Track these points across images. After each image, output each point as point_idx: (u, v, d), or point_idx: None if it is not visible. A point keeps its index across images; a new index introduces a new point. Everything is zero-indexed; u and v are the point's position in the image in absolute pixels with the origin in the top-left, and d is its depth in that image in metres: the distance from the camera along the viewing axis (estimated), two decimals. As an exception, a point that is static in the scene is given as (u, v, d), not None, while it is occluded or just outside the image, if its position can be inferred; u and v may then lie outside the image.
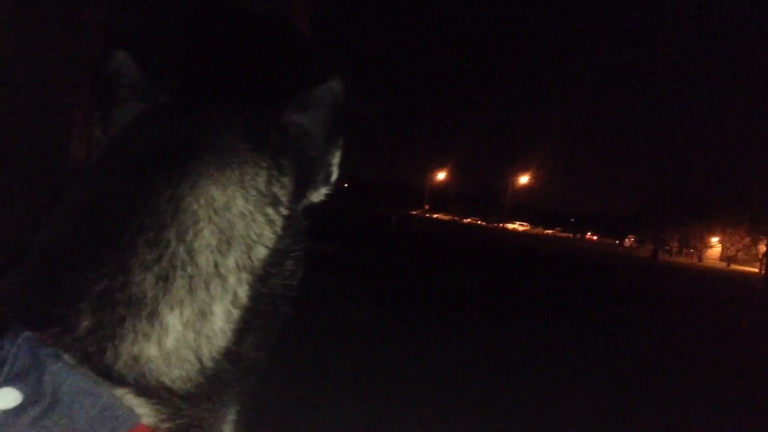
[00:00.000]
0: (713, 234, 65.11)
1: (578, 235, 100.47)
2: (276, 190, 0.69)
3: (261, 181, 0.68)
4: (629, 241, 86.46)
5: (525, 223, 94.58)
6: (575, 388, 5.52)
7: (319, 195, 0.68)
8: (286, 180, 0.70)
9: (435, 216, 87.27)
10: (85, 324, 0.62)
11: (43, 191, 5.79)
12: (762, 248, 53.39)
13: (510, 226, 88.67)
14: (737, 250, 61.41)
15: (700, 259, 65.44)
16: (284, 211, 0.70)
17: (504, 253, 26.84)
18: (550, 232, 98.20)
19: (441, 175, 71.16)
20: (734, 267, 56.86)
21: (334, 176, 0.70)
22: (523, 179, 71.34)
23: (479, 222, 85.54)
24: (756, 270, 52.09)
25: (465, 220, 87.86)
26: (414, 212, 73.70)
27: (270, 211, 0.69)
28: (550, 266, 22.95)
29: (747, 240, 59.52)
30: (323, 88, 0.64)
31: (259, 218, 0.68)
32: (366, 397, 4.33)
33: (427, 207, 78.52)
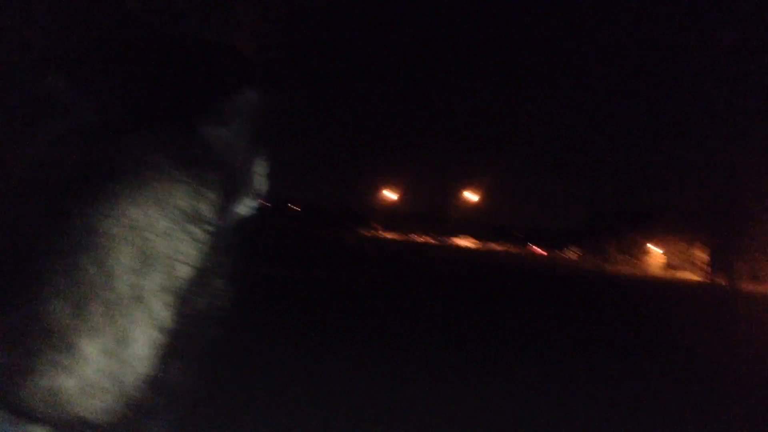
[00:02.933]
0: (654, 243, 67.29)
1: (524, 249, 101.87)
2: (199, 205, 0.66)
3: (182, 198, 0.65)
4: (573, 252, 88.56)
5: (472, 239, 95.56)
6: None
7: (246, 209, 0.64)
8: (209, 195, 0.67)
9: (387, 235, 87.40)
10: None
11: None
12: (702, 257, 55.32)
13: (456, 242, 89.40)
14: (678, 260, 63.49)
15: (641, 268, 67.40)
16: (209, 228, 0.66)
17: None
18: (498, 247, 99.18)
19: (391, 194, 71.55)
20: (678, 274, 58.82)
21: (263, 188, 0.67)
22: (471, 195, 72.40)
23: (430, 239, 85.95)
24: (694, 277, 53.96)
25: (415, 239, 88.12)
26: (365, 232, 73.67)
27: (193, 228, 0.65)
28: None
29: (688, 250, 61.66)
30: (243, 98, 0.60)
31: (182, 236, 0.65)
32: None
33: (376, 226, 78.62)
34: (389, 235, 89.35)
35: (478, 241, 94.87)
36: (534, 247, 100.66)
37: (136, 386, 0.61)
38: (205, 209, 0.65)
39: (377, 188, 71.27)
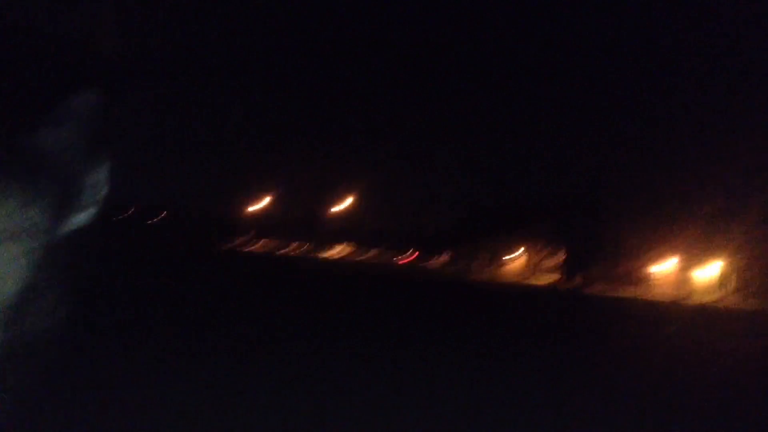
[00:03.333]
0: (519, 247, 70.26)
1: (398, 255, 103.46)
2: (25, 221, 0.54)
3: (8, 215, 0.53)
4: (444, 257, 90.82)
5: (347, 246, 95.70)
6: None
7: (87, 217, 0.61)
8: (37, 209, 0.54)
9: (254, 246, 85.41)
10: None
11: None
12: (558, 259, 58.37)
13: (332, 250, 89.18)
14: (539, 262, 66.80)
15: (504, 271, 70.17)
16: (37, 243, 0.54)
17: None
18: (372, 253, 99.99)
19: (264, 201, 69.98)
20: (537, 279, 61.65)
21: (103, 192, 0.63)
22: (343, 202, 72.33)
23: (306, 247, 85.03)
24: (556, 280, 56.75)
25: (285, 249, 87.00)
26: (233, 243, 71.64)
27: (14, 247, 0.53)
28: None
29: (547, 252, 64.94)
30: (79, 100, 0.56)
31: (5, 254, 0.54)
32: None
33: (246, 237, 76.72)
34: (261, 243, 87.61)
35: (351, 249, 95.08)
36: (406, 253, 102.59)
37: None
38: (33, 225, 0.54)
39: (247, 194, 69.44)
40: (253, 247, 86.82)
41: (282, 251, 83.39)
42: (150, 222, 75.75)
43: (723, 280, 57.45)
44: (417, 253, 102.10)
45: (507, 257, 70.51)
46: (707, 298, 49.21)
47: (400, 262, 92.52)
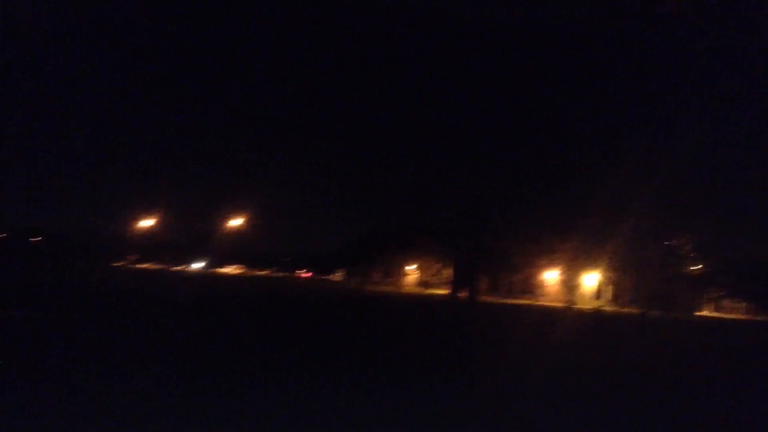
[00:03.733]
0: (411, 262, 71.69)
1: (292, 273, 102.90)
2: None
3: None
4: (339, 275, 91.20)
5: (240, 266, 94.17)
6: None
7: None
8: None
9: (142, 266, 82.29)
10: None
11: None
12: (451, 272, 60.24)
13: (224, 270, 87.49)
14: (431, 276, 68.72)
15: (400, 286, 71.45)
16: None
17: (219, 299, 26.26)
18: (265, 272, 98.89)
19: (148, 222, 67.68)
20: (430, 291, 63.27)
21: None
22: (237, 222, 71.29)
23: (188, 268, 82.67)
24: (446, 291, 58.60)
25: (175, 268, 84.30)
26: (117, 264, 68.86)
27: None
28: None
29: (439, 266, 66.86)
30: None
31: None
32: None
33: (132, 257, 73.88)
34: (147, 266, 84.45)
35: (244, 268, 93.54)
36: (301, 271, 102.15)
37: None
38: None
39: (132, 215, 66.89)
40: (144, 265, 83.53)
41: (176, 268, 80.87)
42: (28, 243, 71.33)
43: (602, 288, 61.77)
44: (311, 273, 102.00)
45: (400, 272, 72.01)
46: (589, 305, 52.75)
47: (302, 276, 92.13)
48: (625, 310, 50.98)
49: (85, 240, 74.69)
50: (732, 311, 69.85)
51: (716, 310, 67.17)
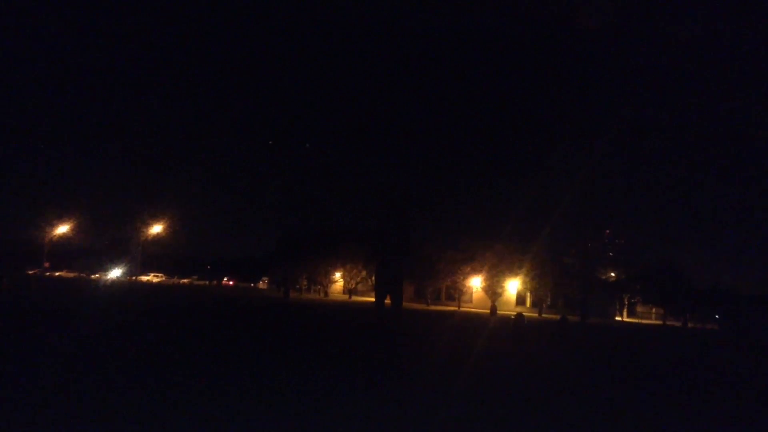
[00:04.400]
0: (336, 269, 71.65)
1: (215, 281, 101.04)
2: None
3: None
4: (263, 283, 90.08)
5: (160, 274, 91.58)
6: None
7: None
8: None
9: (57, 274, 78.87)
10: None
11: None
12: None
13: (145, 278, 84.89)
14: (356, 283, 68.91)
15: (326, 293, 71.31)
16: None
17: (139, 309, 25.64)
18: (186, 280, 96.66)
19: (62, 229, 64.95)
20: (355, 298, 63.46)
21: None
22: (156, 229, 69.42)
23: (107, 276, 79.84)
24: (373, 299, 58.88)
25: (93, 276, 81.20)
26: (31, 271, 65.66)
27: None
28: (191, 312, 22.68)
29: (364, 273, 67.15)
30: None
31: None
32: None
33: (47, 265, 70.69)
34: (63, 273, 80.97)
35: (164, 276, 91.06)
36: (225, 279, 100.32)
37: None
38: None
39: (47, 221, 64.06)
40: (60, 273, 79.96)
41: (94, 276, 77.84)
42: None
43: (524, 294, 63.77)
44: (234, 281, 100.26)
45: (326, 280, 71.91)
46: (512, 311, 54.12)
47: (221, 284, 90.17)
48: (545, 315, 52.80)
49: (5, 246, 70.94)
50: (646, 316, 73.48)
51: (630, 315, 70.52)
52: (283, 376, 8.80)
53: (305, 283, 77.13)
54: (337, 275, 72.40)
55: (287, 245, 73.61)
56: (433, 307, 55.06)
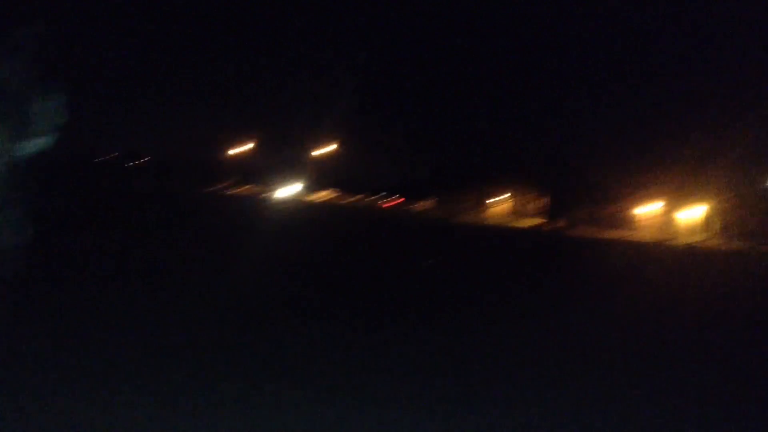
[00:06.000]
0: (503, 191, 69.97)
1: (383, 200, 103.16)
2: None
3: None
4: (430, 203, 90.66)
5: (334, 191, 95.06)
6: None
7: (35, 145, 0.69)
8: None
9: (237, 191, 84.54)
10: None
11: None
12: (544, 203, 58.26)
13: (317, 195, 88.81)
14: (524, 206, 67.02)
15: (491, 215, 70.17)
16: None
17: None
18: (356, 200, 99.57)
19: (242, 147, 69.01)
20: (522, 222, 61.68)
21: (55, 122, 0.70)
22: (330, 149, 71.57)
23: (281, 193, 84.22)
24: (540, 222, 56.60)
25: (266, 193, 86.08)
26: (213, 188, 71.02)
27: None
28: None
29: (532, 196, 64.98)
30: (25, 32, 0.63)
31: None
32: None
33: (230, 182, 76.02)
34: (241, 191, 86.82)
35: (336, 193, 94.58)
36: (391, 198, 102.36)
37: None
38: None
39: (228, 141, 68.42)
40: (237, 191, 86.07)
41: (265, 195, 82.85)
42: (132, 165, 74.76)
43: (707, 222, 57.98)
44: (402, 198, 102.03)
45: (492, 201, 70.53)
46: (691, 240, 49.67)
47: (385, 206, 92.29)
48: (729, 245, 47.59)
49: (182, 164, 77.16)
50: None
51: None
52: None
53: (470, 204, 76.32)
54: (503, 197, 70.72)
55: (455, 165, 72.71)
56: (604, 234, 51.97)
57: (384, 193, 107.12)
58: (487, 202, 71.30)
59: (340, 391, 4.64)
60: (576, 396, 5.33)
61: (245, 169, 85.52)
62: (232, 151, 68.66)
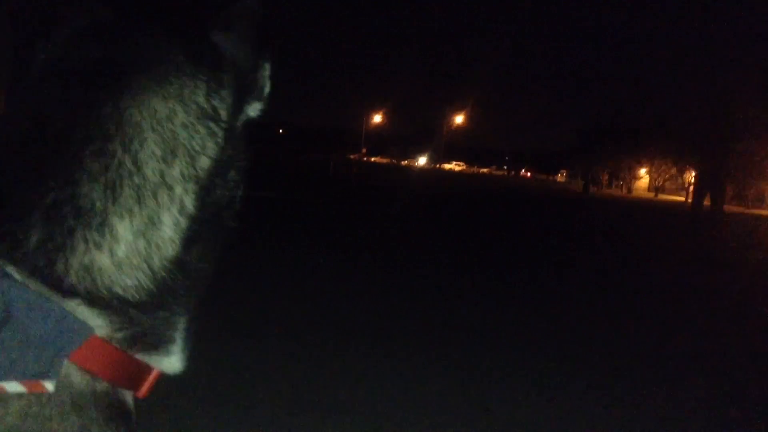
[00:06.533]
0: (641, 165, 66.99)
1: (512, 173, 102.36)
2: (215, 103, 0.69)
3: (200, 95, 0.68)
4: (561, 176, 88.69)
5: (461, 163, 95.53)
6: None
7: (254, 110, 0.72)
8: (224, 93, 0.70)
9: (373, 159, 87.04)
10: (34, 238, 0.61)
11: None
12: (688, 177, 55.49)
13: (447, 166, 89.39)
14: (664, 180, 63.70)
15: (629, 190, 67.61)
16: (224, 124, 0.69)
17: (444, 193, 26.92)
18: (485, 170, 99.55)
19: (377, 118, 70.66)
20: (662, 197, 59.13)
21: (267, 90, 0.75)
22: (459, 119, 71.66)
23: (416, 163, 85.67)
24: (682, 198, 54.26)
25: (402, 162, 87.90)
26: (352, 156, 73.22)
27: (211, 123, 0.68)
28: (487, 203, 23.25)
29: (674, 170, 61.63)
30: (242, 5, 0.70)
31: (201, 130, 0.67)
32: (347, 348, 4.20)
33: (364, 150, 78.08)
34: (375, 159, 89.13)
35: (465, 165, 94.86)
36: (523, 170, 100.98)
37: (163, 266, 0.65)
38: (221, 107, 0.69)
39: (365, 111, 70.23)
40: (374, 159, 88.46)
41: (403, 162, 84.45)
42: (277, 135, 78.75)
43: None
44: (531, 173, 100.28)
45: (630, 174, 67.79)
46: None
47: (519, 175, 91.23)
48: None
49: (324, 132, 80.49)
50: None
51: None
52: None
53: (606, 178, 73.71)
54: (642, 171, 67.64)
55: (589, 138, 70.36)
56: (754, 211, 48.72)
57: (515, 165, 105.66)
58: (625, 176, 68.64)
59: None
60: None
61: (380, 139, 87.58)
62: (369, 122, 70.40)
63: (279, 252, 7.50)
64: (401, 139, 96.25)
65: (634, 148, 62.95)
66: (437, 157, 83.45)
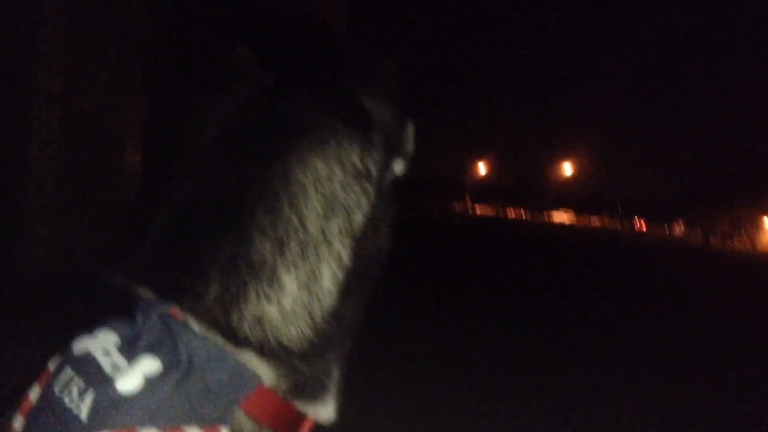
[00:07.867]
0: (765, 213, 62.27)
1: (625, 223, 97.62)
2: (368, 162, 0.75)
3: (355, 155, 0.74)
4: (679, 226, 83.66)
5: (569, 210, 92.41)
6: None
7: (399, 167, 0.81)
8: (375, 153, 0.76)
9: (477, 208, 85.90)
10: (212, 291, 0.66)
11: (105, 196, 5.91)
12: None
13: (556, 218, 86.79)
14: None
15: (753, 244, 62.86)
16: (375, 182, 0.75)
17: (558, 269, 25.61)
18: (597, 222, 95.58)
19: (481, 166, 70.35)
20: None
21: (410, 148, 0.83)
22: (566, 166, 69.95)
23: (523, 216, 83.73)
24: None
25: (509, 215, 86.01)
26: (457, 206, 72.82)
27: (364, 181, 0.74)
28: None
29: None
30: (383, 72, 0.79)
31: (356, 188, 0.73)
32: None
33: (468, 199, 77.56)
34: (481, 208, 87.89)
35: (575, 215, 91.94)
36: (635, 219, 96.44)
37: (322, 316, 0.70)
38: (373, 166, 0.75)
39: (469, 160, 70.25)
40: (471, 212, 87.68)
41: (500, 216, 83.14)
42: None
43: None
44: (643, 219, 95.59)
45: (755, 224, 63.08)
46: None
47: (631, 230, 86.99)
48: None
49: (425, 181, 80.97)
50: None
51: None
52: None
53: (727, 226, 68.70)
54: (764, 221, 62.78)
55: (709, 183, 65.57)
56: None
57: (622, 217, 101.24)
58: (745, 227, 64.03)
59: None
60: None
61: (483, 187, 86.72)
62: (473, 170, 70.29)
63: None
64: (503, 187, 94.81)
65: (758, 195, 58.68)
66: (544, 205, 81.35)
